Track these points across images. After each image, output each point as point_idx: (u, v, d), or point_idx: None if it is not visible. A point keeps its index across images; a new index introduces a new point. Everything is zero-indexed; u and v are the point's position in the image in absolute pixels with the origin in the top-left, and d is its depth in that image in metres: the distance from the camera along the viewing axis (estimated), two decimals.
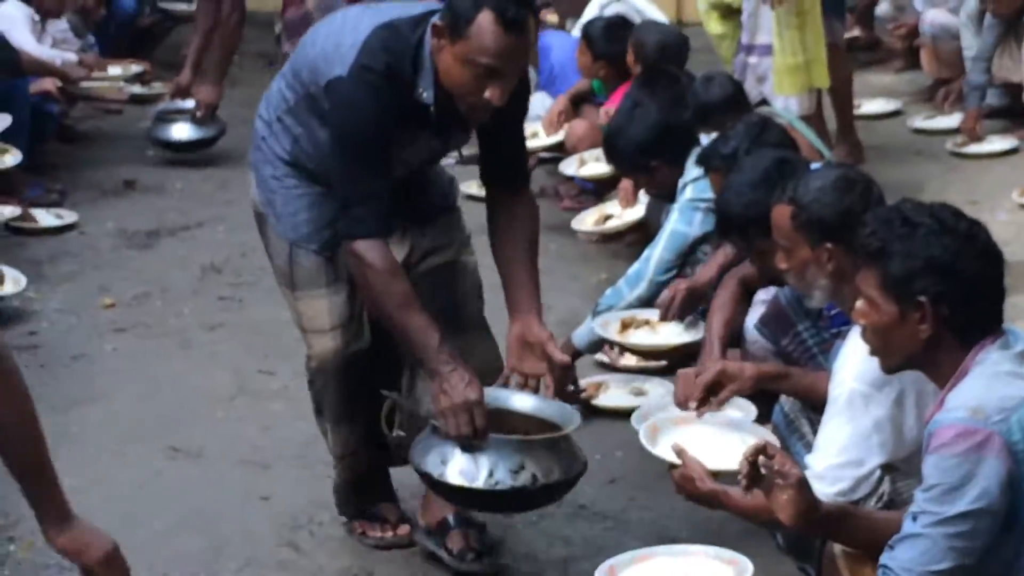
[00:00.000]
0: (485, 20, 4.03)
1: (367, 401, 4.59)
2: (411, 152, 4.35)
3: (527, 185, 4.55)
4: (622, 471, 5.30)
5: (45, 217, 8.02)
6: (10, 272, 6.85)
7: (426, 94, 4.18)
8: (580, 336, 5.67)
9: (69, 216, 8.08)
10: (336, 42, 4.23)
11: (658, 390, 5.72)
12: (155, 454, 5.56)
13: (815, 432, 4.21)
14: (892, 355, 3.46)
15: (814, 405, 4.32)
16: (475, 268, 4.67)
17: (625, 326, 5.63)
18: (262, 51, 10.00)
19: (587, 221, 7.15)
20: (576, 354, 5.62)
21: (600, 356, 6.03)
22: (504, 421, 4.27)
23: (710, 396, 4.34)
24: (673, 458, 3.99)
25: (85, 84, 9.00)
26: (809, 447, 4.22)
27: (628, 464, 5.32)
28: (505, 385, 4.33)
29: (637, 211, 6.82)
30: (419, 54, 4.17)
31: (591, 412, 5.79)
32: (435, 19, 4.14)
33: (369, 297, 4.29)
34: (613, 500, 5.14)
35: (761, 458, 3.51)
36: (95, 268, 7.47)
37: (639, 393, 5.79)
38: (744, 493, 3.59)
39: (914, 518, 3.28)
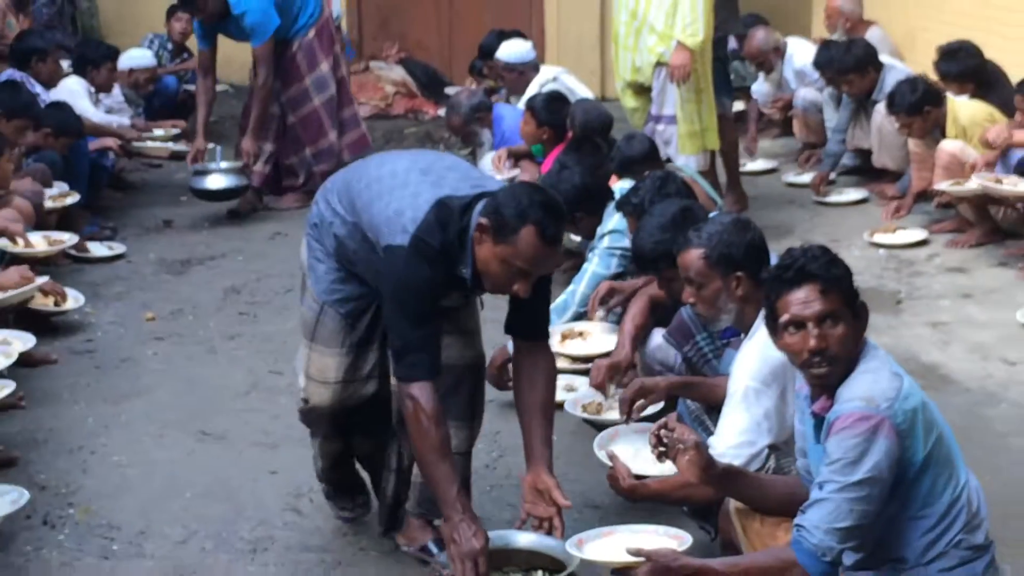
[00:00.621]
0: (528, 234, 3.75)
1: (354, 427, 4.45)
2: (445, 303, 4.05)
3: (546, 339, 4.19)
4: (557, 451, 5.17)
5: (99, 249, 7.96)
6: (72, 292, 6.80)
7: (465, 271, 3.91)
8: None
9: (119, 248, 8.03)
10: (397, 209, 3.89)
11: (584, 388, 5.71)
12: (187, 437, 5.53)
13: (713, 422, 4.24)
14: (847, 359, 3.40)
15: (711, 406, 4.35)
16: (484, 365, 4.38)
17: (564, 337, 5.70)
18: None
19: None
20: (509, 358, 5.61)
21: None
22: (512, 557, 4.08)
23: (632, 405, 4.35)
24: (607, 461, 4.07)
25: (136, 144, 9.01)
26: (709, 433, 4.26)
27: (561, 446, 5.30)
28: (522, 526, 4.07)
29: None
30: (464, 239, 3.87)
31: None
32: (480, 215, 3.84)
33: (412, 433, 3.95)
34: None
35: (663, 431, 3.55)
36: (140, 289, 7.43)
37: (570, 389, 5.77)
38: (657, 460, 3.62)
39: (820, 486, 3.30)
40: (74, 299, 6.78)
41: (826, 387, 3.44)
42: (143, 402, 5.90)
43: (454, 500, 3.90)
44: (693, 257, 4.13)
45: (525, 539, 4.12)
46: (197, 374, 6.22)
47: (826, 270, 3.40)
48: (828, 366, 3.41)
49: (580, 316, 5.72)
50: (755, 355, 3.95)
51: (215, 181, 8.55)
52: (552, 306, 5.70)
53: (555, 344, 5.61)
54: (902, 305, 6.86)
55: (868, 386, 3.30)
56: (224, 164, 8.55)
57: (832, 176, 8.75)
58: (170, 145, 9.21)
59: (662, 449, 3.59)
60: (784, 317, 3.43)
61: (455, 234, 3.86)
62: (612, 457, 4.03)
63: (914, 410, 3.29)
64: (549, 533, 3.98)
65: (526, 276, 3.82)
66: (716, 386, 4.32)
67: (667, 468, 3.77)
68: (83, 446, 5.42)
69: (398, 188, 3.95)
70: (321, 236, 4.16)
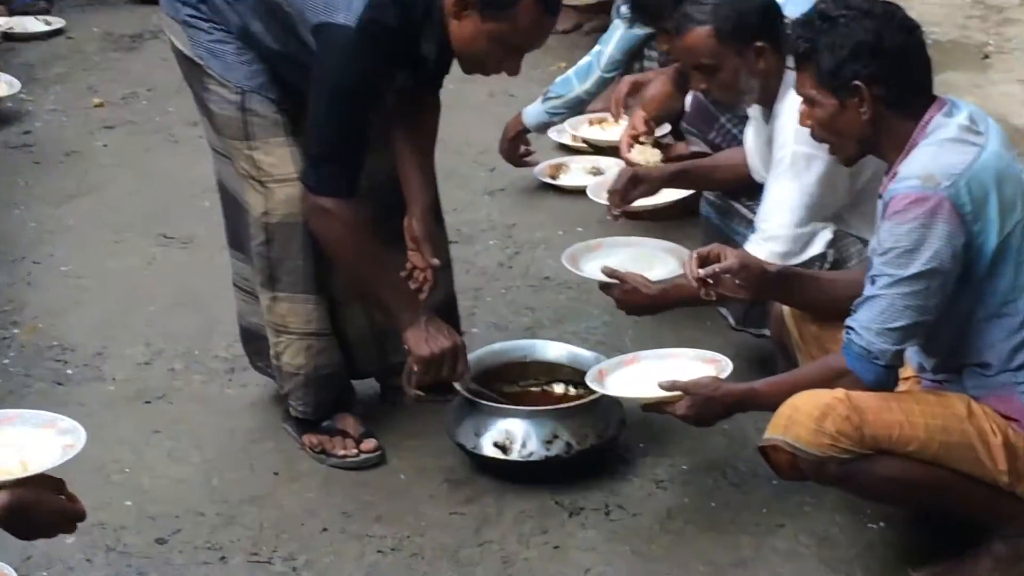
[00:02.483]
0: (528, 7, 3.60)
1: (331, 280, 4.05)
2: (392, 87, 3.87)
3: (438, 89, 4.06)
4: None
5: (34, 24, 7.89)
6: (4, 77, 6.76)
7: (427, 48, 3.73)
8: (530, 115, 5.74)
9: (57, 22, 7.96)
10: None
11: (614, 169, 5.67)
12: (148, 241, 5.55)
13: (744, 203, 4.26)
14: (846, 145, 3.38)
15: (726, 191, 4.37)
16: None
17: (591, 123, 5.83)
18: None
19: None
20: (525, 130, 5.75)
21: (559, 139, 6.05)
22: (530, 370, 4.16)
23: (624, 196, 4.29)
24: (602, 278, 3.98)
25: None
26: (745, 220, 4.23)
27: (588, 237, 5.31)
28: (409, 276, 4.00)
29: None
30: (430, 12, 3.67)
31: (552, 189, 5.81)
32: None
33: (333, 246, 3.80)
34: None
35: (701, 271, 3.51)
36: (84, 70, 7.38)
37: (597, 172, 5.79)
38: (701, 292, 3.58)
39: (872, 281, 3.28)
40: (7, 84, 6.74)
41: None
42: (93, 202, 5.90)
43: (409, 302, 3.86)
44: (700, 37, 3.94)
45: (556, 350, 4.19)
46: (156, 168, 6.20)
47: (804, 40, 3.33)
48: (829, 148, 3.43)
49: (606, 83, 5.66)
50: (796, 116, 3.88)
51: None
52: (574, 70, 5.70)
53: (582, 128, 5.81)
54: (989, 60, 6.76)
55: (929, 161, 3.24)
56: None
57: None
58: None
59: (710, 283, 3.54)
60: None
61: (421, 8, 3.67)
62: (612, 272, 3.97)
63: (986, 188, 3.24)
64: (421, 289, 3.98)
65: (520, 53, 3.71)
66: (718, 166, 4.32)
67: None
68: (25, 256, 5.44)
69: None
70: (215, 13, 3.88)
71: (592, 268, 4.09)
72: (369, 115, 3.75)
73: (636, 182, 4.27)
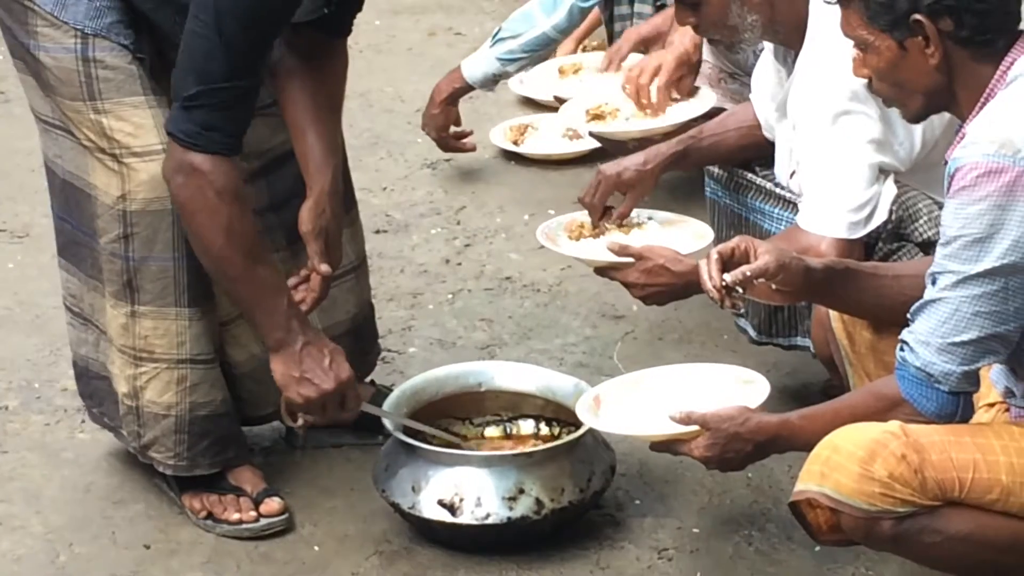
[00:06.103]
0: None
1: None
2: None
3: (348, 35, 4.15)
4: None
5: None
6: None
7: None
8: (473, 65, 5.60)
9: None
10: None
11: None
12: None
13: (758, 173, 4.32)
14: (912, 98, 3.38)
15: (735, 164, 4.40)
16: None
17: (561, 72, 5.71)
18: None
19: None
20: (466, 88, 5.62)
21: (523, 91, 6.06)
22: (495, 404, 4.21)
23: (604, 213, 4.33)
24: (609, 257, 4.00)
25: None
26: (764, 193, 4.26)
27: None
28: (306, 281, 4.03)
29: None
30: None
31: (515, 159, 5.85)
32: None
33: (202, 233, 3.77)
34: (545, 269, 5.15)
35: (727, 277, 3.50)
36: None
37: (576, 137, 5.77)
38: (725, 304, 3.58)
39: (933, 280, 3.28)
40: None
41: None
42: None
43: (286, 316, 3.86)
44: None
45: (520, 377, 4.22)
46: None
47: None
48: (885, 100, 3.43)
49: (583, 14, 5.62)
50: (830, 64, 3.92)
51: None
52: (537, 1, 5.65)
53: (554, 84, 5.66)
54: None
55: (1009, 120, 3.24)
56: None
57: None
58: None
59: (737, 294, 3.54)
60: None
61: None
62: (625, 250, 3.99)
63: None
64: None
65: None
66: (727, 131, 4.38)
67: None
68: None
69: None
70: None
71: (576, 245, 4.14)
72: (270, 43, 3.75)
73: (621, 188, 4.29)
